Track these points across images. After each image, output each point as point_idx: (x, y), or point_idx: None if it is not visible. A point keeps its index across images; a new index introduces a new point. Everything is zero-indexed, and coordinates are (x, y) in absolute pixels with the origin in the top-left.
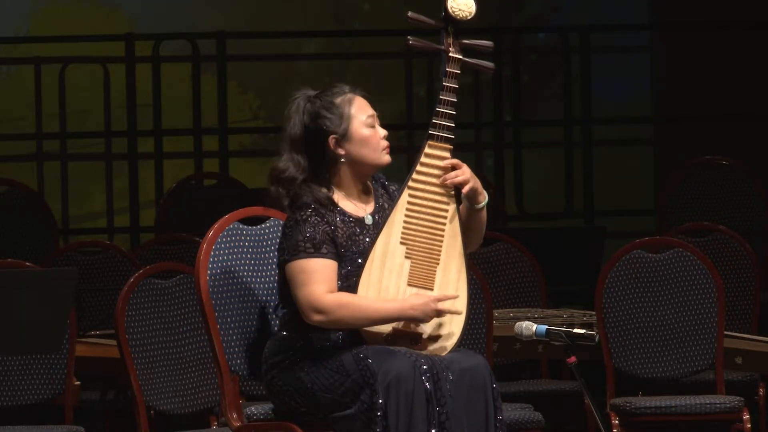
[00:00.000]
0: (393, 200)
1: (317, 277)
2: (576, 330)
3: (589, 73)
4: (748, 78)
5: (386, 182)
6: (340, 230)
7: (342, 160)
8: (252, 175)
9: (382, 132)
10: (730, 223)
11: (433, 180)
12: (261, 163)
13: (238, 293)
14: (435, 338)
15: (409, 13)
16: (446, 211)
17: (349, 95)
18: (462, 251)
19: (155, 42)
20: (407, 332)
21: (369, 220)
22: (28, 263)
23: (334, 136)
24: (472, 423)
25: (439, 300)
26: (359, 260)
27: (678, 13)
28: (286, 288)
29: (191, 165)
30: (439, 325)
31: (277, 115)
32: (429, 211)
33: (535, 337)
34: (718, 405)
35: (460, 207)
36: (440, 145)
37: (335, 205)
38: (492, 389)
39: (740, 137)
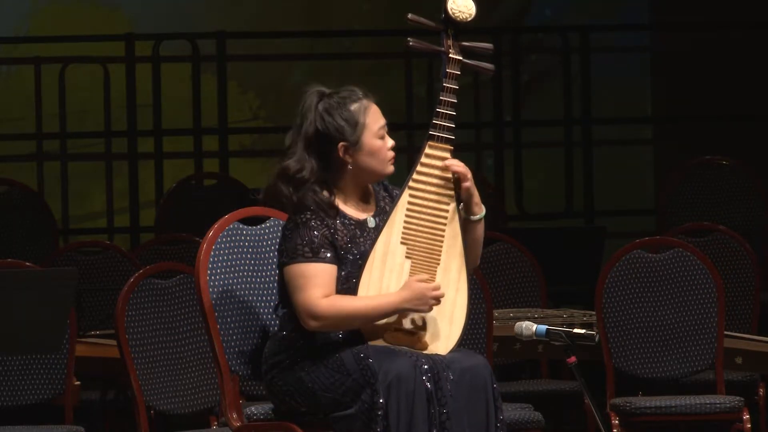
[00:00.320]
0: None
1: (314, 281)
2: (576, 330)
3: (589, 73)
4: (748, 78)
5: (389, 185)
6: (340, 233)
7: (349, 167)
8: (252, 175)
9: (390, 143)
10: (730, 223)
11: (434, 180)
12: (261, 163)
13: (238, 293)
14: (436, 338)
15: (409, 15)
16: (447, 211)
17: (364, 102)
18: (462, 251)
19: (155, 42)
20: (408, 331)
21: (371, 223)
22: (28, 263)
23: (344, 143)
24: (472, 423)
25: (435, 288)
26: (360, 262)
27: (678, 13)
28: (285, 288)
29: (191, 165)
30: (440, 325)
31: (277, 115)
32: (429, 211)
33: (535, 337)
34: (718, 405)
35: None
36: (440, 145)
37: (337, 208)
38: (492, 389)
39: (740, 137)
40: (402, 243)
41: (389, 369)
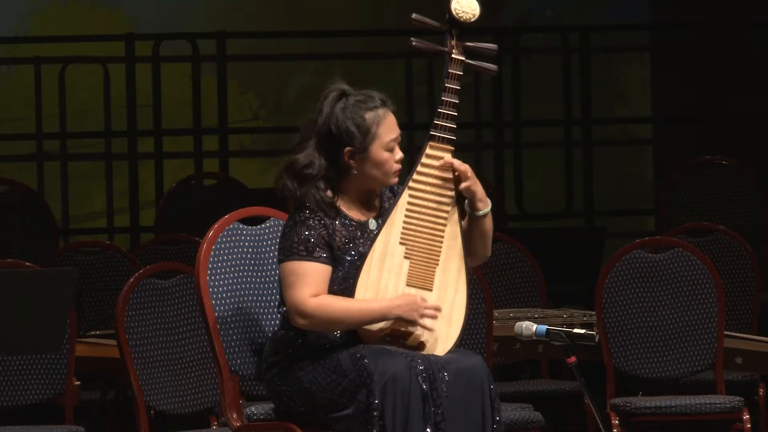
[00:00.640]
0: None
1: (306, 280)
2: (576, 330)
3: (589, 73)
4: (748, 78)
5: (395, 186)
6: (339, 233)
7: (354, 171)
8: (252, 175)
9: (399, 155)
10: (730, 223)
11: (434, 180)
12: (261, 162)
13: (238, 293)
14: (433, 338)
15: (414, 15)
16: (446, 211)
17: (381, 111)
18: (462, 252)
19: (155, 42)
20: (404, 332)
21: (373, 225)
22: (28, 263)
23: (351, 148)
24: (469, 423)
25: (430, 308)
26: (358, 263)
27: (678, 12)
28: None
29: (191, 165)
30: (438, 326)
31: (277, 115)
32: (429, 211)
33: (535, 337)
34: (718, 405)
35: (463, 221)
36: (441, 146)
37: (337, 209)
38: (489, 390)
39: (740, 137)
40: (401, 243)
41: (385, 369)
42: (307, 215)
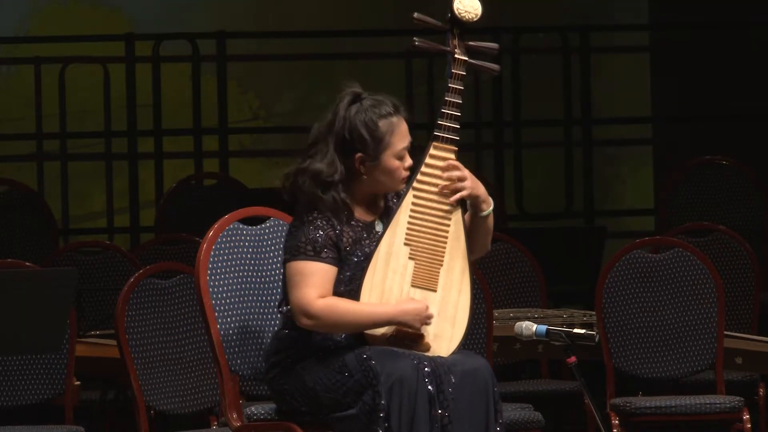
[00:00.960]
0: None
1: (312, 280)
2: (576, 330)
3: (589, 73)
4: (748, 78)
5: None
6: (346, 234)
7: (363, 176)
8: (252, 175)
9: (408, 162)
10: (730, 223)
11: (438, 181)
12: (261, 162)
13: (238, 293)
14: (438, 339)
15: (416, 15)
16: (450, 212)
17: (394, 119)
18: (465, 253)
19: (155, 42)
20: (409, 334)
21: (379, 227)
22: (28, 263)
23: (362, 155)
24: (473, 425)
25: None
26: (364, 264)
27: (678, 12)
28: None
29: (191, 165)
30: (442, 327)
31: (277, 115)
32: (433, 212)
33: (535, 337)
34: (718, 405)
35: (466, 216)
36: (445, 146)
37: (351, 212)
38: (493, 392)
39: (740, 137)
40: (405, 244)
41: (392, 371)
42: (316, 215)
